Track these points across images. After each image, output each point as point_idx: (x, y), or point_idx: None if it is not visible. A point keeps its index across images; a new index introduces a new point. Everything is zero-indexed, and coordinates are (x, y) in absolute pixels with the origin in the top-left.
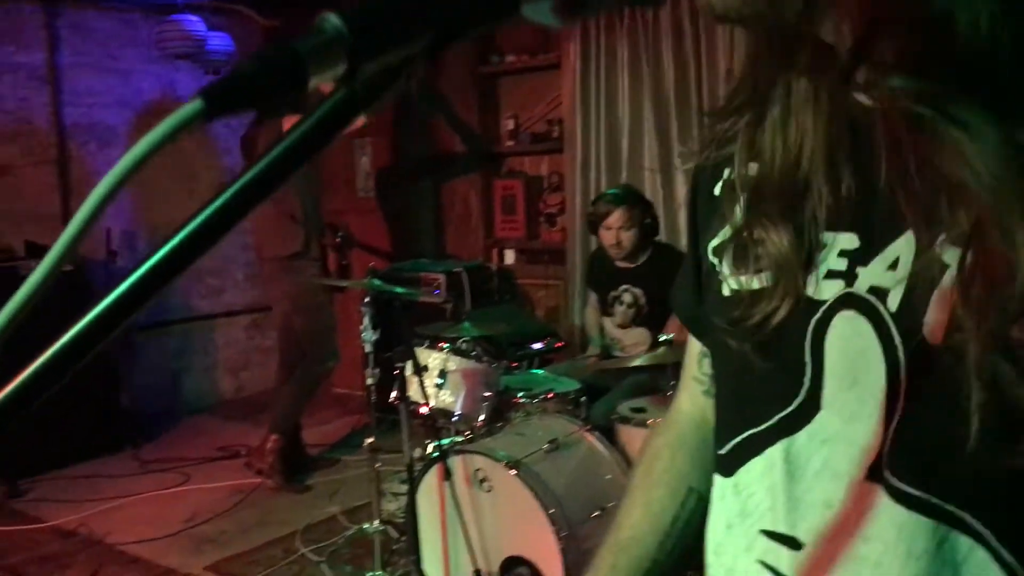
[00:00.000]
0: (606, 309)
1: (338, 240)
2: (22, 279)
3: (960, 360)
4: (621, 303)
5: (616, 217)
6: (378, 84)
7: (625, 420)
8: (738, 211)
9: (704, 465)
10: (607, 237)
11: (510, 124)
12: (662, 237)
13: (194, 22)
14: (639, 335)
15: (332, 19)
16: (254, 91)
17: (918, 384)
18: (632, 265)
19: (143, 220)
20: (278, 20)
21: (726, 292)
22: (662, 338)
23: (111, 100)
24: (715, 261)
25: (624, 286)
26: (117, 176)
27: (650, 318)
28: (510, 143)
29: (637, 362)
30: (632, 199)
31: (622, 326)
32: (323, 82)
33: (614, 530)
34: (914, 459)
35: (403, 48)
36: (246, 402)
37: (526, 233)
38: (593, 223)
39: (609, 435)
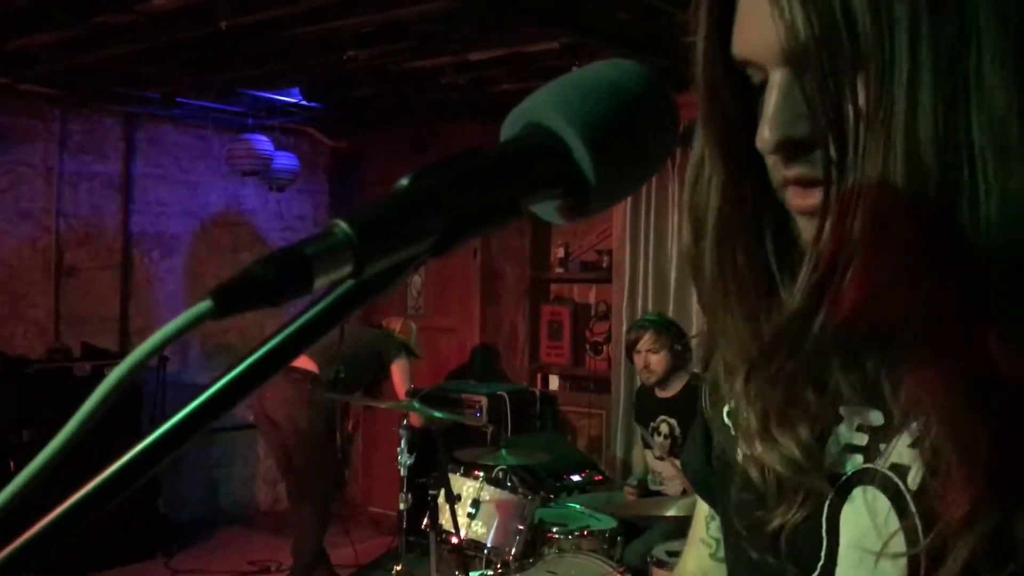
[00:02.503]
0: (646, 442)
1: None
2: (77, 380)
3: (980, 543)
4: (659, 434)
5: (645, 340)
6: (386, 275)
7: (660, 564)
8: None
9: None
10: (638, 361)
11: (560, 252)
12: None
13: (263, 141)
14: (676, 467)
15: (342, 225)
16: (261, 292)
17: (938, 566)
18: (669, 395)
19: (196, 329)
20: (345, 142)
21: (739, 458)
22: None
23: (178, 210)
24: (730, 424)
25: (661, 416)
26: (129, 365)
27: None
28: (559, 270)
29: (671, 512)
30: (661, 324)
31: (660, 458)
32: (329, 282)
33: None
34: None
35: (409, 250)
36: (282, 515)
37: (571, 360)
38: (627, 349)
39: None
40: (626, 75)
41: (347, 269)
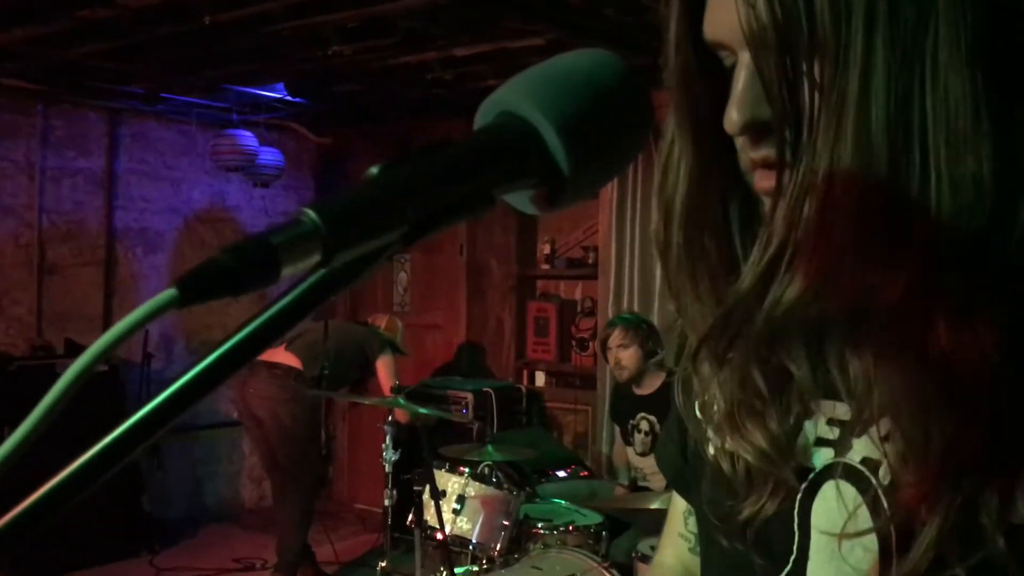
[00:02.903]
0: (627, 439)
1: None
2: (59, 377)
3: (945, 527)
4: (639, 431)
5: (614, 337)
6: (356, 265)
7: (645, 559)
8: (717, 403)
9: None
10: (610, 358)
11: (546, 248)
12: None
13: (247, 137)
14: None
15: (310, 214)
16: (226, 281)
17: (907, 555)
18: (647, 392)
19: (181, 325)
20: (330, 138)
21: (711, 451)
22: None
23: (162, 207)
24: (701, 417)
25: (641, 414)
26: (95, 353)
27: None
28: (545, 267)
29: (655, 505)
30: (632, 321)
31: (642, 454)
32: (296, 272)
33: None
34: None
35: (379, 239)
36: (267, 513)
37: (557, 356)
38: (601, 348)
39: (628, 574)
40: (600, 65)
41: (315, 258)
